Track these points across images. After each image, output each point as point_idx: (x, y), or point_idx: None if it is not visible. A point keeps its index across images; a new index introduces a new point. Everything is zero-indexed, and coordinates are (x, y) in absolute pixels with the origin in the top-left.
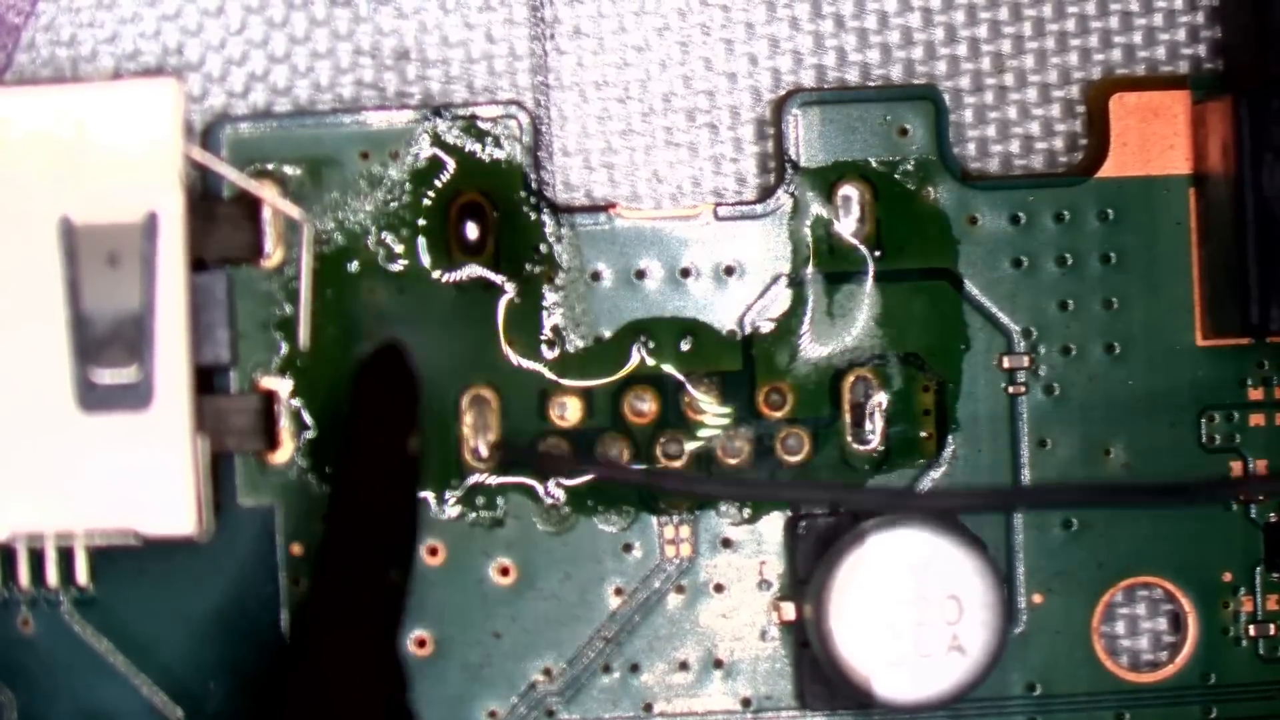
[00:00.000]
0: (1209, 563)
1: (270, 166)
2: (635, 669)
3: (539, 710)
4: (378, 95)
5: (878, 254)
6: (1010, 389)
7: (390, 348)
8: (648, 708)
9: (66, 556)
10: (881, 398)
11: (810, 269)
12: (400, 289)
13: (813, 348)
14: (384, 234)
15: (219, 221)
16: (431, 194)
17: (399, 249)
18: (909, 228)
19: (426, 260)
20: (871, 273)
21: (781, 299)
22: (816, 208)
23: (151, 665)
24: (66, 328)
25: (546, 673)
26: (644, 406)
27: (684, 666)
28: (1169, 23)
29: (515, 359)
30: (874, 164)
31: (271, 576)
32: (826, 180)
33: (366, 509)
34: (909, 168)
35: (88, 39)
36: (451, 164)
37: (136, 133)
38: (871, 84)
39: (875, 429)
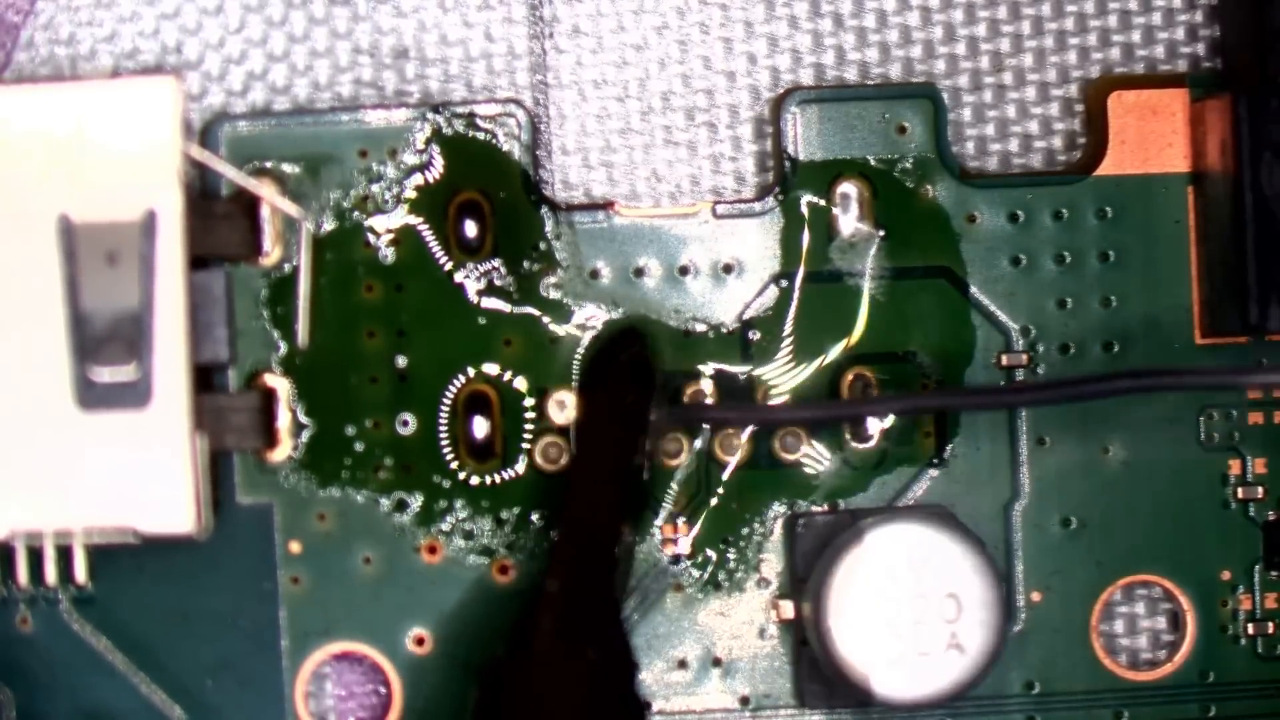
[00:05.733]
0: (1208, 561)
1: (269, 165)
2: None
3: None
4: (376, 94)
5: (877, 252)
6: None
7: (632, 334)
8: (646, 706)
9: (65, 555)
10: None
11: (809, 267)
12: (399, 287)
13: (812, 346)
14: (382, 232)
15: (218, 220)
16: (430, 192)
17: (398, 247)
18: (908, 226)
19: (425, 259)
20: (870, 271)
21: (780, 297)
22: (815, 206)
23: (150, 663)
24: (65, 326)
25: None
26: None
27: (682, 665)
28: (1168, 21)
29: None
30: (873, 162)
31: (270, 574)
32: (825, 179)
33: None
34: (908, 166)
35: (87, 37)
36: (450, 162)
37: (135, 131)
38: (870, 82)
39: (874, 427)
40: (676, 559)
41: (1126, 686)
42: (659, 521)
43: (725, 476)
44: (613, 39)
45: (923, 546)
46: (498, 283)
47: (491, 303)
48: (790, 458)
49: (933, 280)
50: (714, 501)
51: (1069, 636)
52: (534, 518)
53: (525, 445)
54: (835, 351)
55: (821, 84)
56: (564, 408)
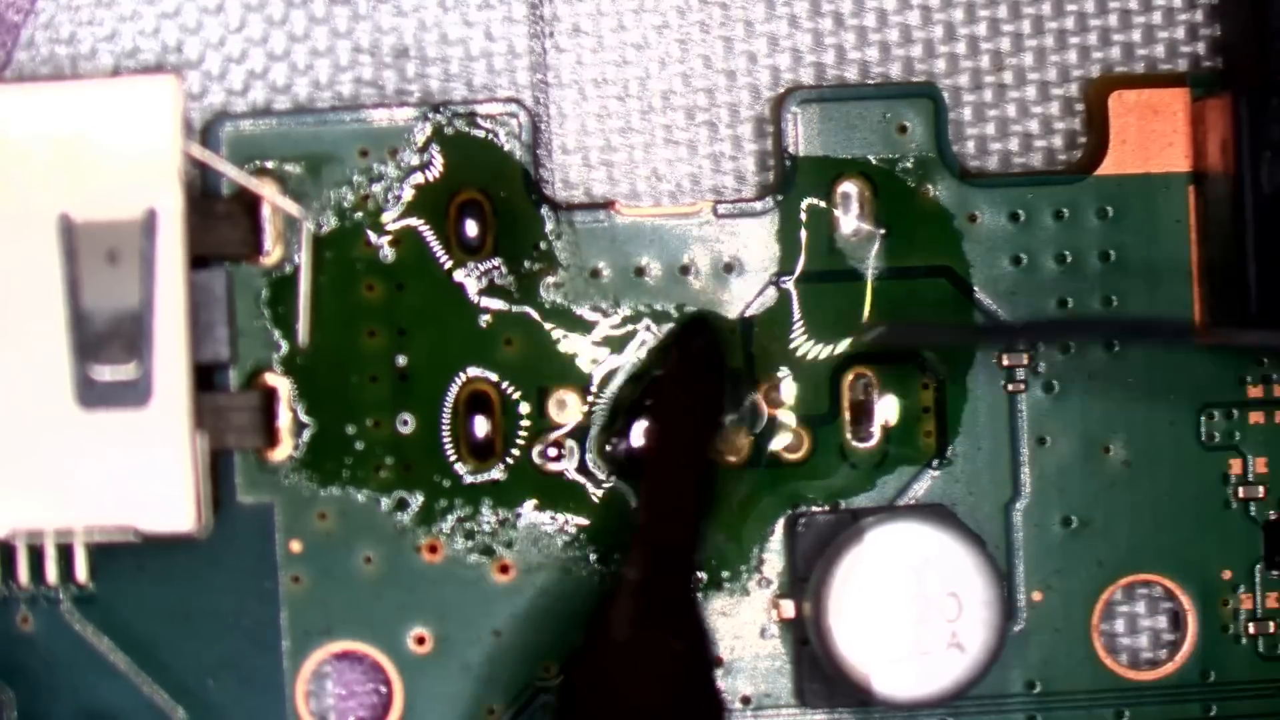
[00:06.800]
0: (1209, 560)
1: (270, 164)
2: None
3: (539, 708)
4: (377, 93)
5: (878, 252)
6: (1010, 386)
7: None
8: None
9: (66, 554)
10: (887, 398)
11: (810, 266)
12: (400, 286)
13: (812, 345)
14: (383, 232)
15: (218, 219)
16: (431, 192)
17: (399, 247)
18: (909, 225)
19: (426, 258)
20: (871, 270)
21: (781, 296)
22: (816, 205)
23: (151, 662)
24: (66, 325)
25: (547, 671)
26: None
27: None
28: (1168, 20)
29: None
30: (873, 161)
31: (271, 573)
32: (826, 178)
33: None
34: (908, 165)
35: (87, 37)
36: (451, 162)
37: (136, 130)
38: (871, 82)
39: (875, 427)
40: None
41: (1127, 686)
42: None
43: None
44: (613, 38)
45: (923, 546)
46: (498, 282)
47: (492, 302)
48: (791, 457)
49: (934, 279)
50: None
51: (1070, 636)
52: (534, 518)
53: (525, 444)
54: (837, 351)
55: (822, 83)
56: (564, 407)
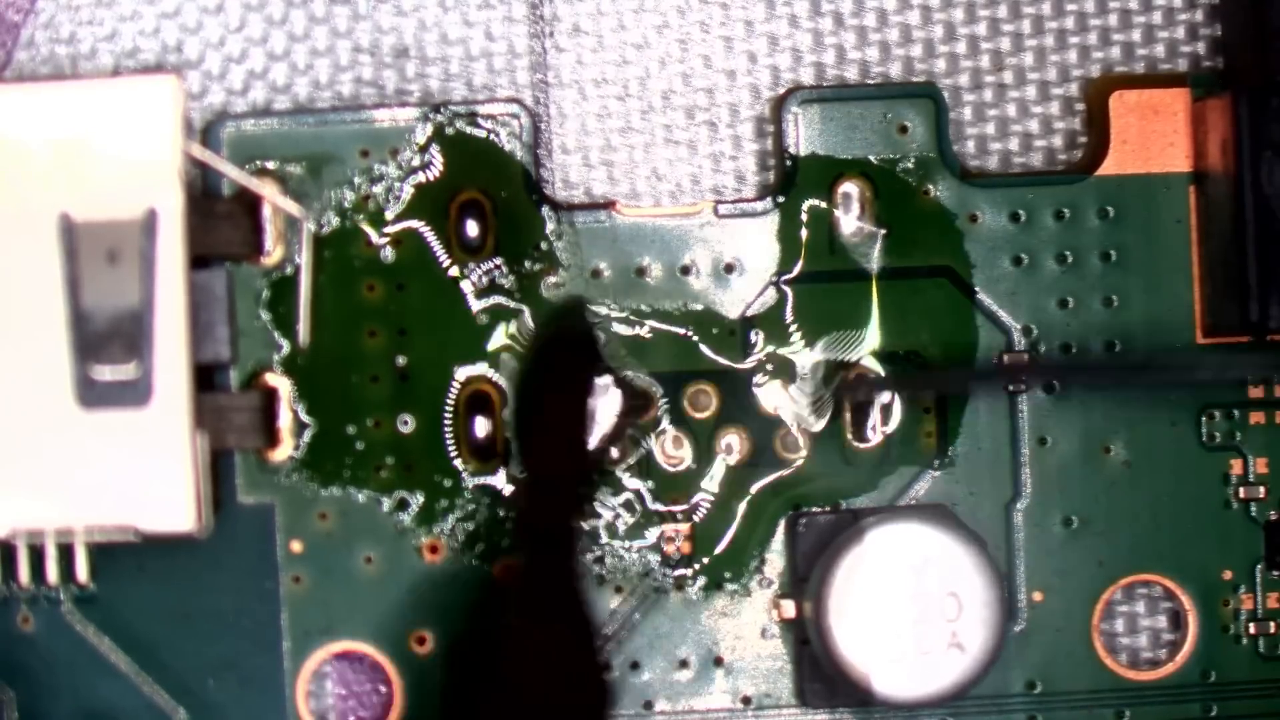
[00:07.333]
0: (1209, 560)
1: (270, 164)
2: (636, 667)
3: None
4: (377, 93)
5: (879, 252)
6: (1010, 387)
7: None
8: (648, 706)
9: (66, 553)
10: (886, 398)
11: (810, 267)
12: (400, 286)
13: (812, 345)
14: (384, 232)
15: (219, 219)
16: (432, 192)
17: (399, 247)
18: (909, 225)
19: (427, 258)
20: (872, 270)
21: (781, 297)
22: (816, 206)
23: (151, 663)
24: (66, 324)
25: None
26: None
27: (684, 664)
28: (1168, 20)
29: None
30: (874, 161)
31: (271, 574)
32: (826, 178)
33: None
34: (909, 165)
35: (87, 36)
36: (451, 162)
37: (136, 130)
38: (871, 81)
39: (876, 427)
40: (678, 559)
41: (1128, 686)
42: (660, 522)
43: (726, 476)
44: (613, 38)
45: (924, 546)
46: (499, 282)
47: (493, 302)
48: (791, 457)
49: (934, 280)
50: (715, 501)
51: (1070, 636)
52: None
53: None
54: (838, 351)
55: (822, 83)
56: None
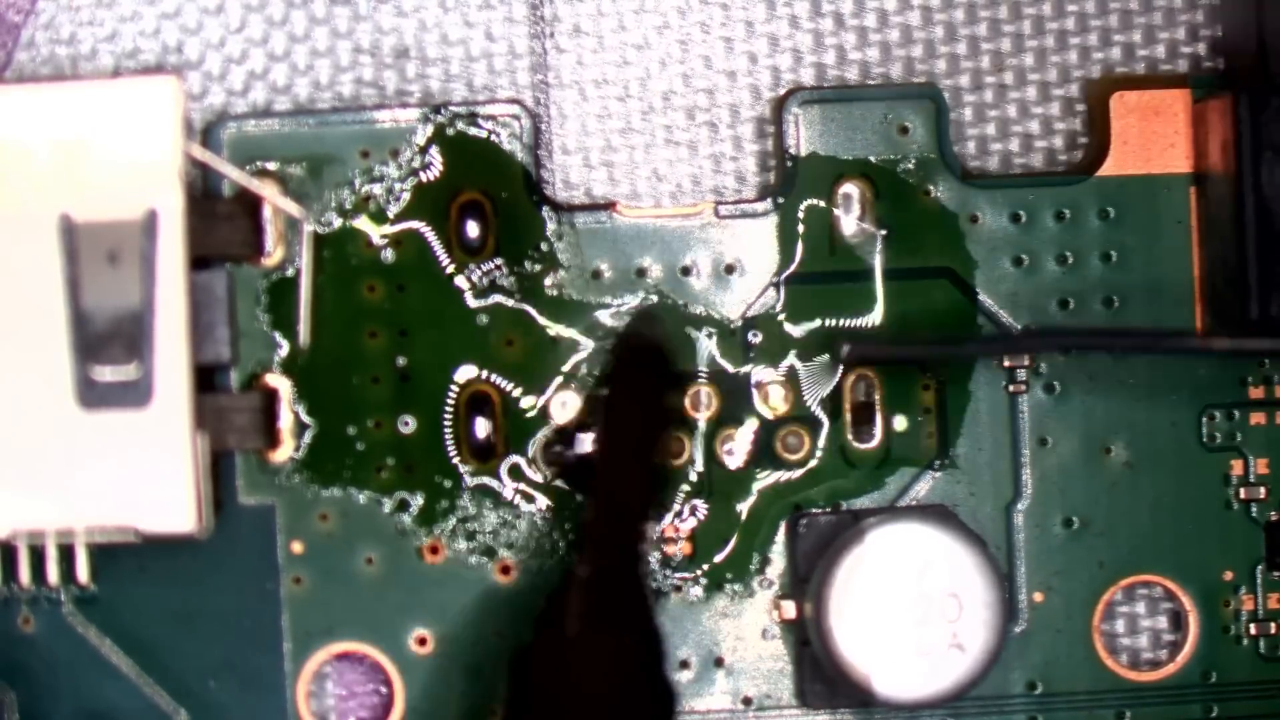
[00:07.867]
0: (1210, 561)
1: (270, 165)
2: None
3: None
4: (377, 93)
5: (879, 253)
6: (1011, 387)
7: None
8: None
9: (67, 554)
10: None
11: (811, 268)
12: (401, 287)
13: (813, 346)
14: (384, 232)
15: (219, 220)
16: (432, 193)
17: (400, 247)
18: (910, 226)
19: (427, 259)
20: (875, 271)
21: (782, 297)
22: (817, 206)
23: (152, 663)
24: (67, 325)
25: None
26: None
27: (685, 665)
28: (1169, 21)
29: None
30: (874, 162)
31: (272, 574)
32: (827, 179)
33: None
34: (909, 166)
35: (87, 37)
36: (452, 162)
37: (136, 131)
38: (871, 82)
39: (876, 427)
40: (679, 559)
41: (1128, 687)
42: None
43: (727, 477)
44: (613, 38)
45: (924, 546)
46: (500, 282)
47: (493, 303)
48: (792, 457)
49: (935, 280)
50: (715, 501)
51: (1071, 636)
52: (535, 517)
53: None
54: (838, 351)
55: (822, 84)
56: (565, 407)
